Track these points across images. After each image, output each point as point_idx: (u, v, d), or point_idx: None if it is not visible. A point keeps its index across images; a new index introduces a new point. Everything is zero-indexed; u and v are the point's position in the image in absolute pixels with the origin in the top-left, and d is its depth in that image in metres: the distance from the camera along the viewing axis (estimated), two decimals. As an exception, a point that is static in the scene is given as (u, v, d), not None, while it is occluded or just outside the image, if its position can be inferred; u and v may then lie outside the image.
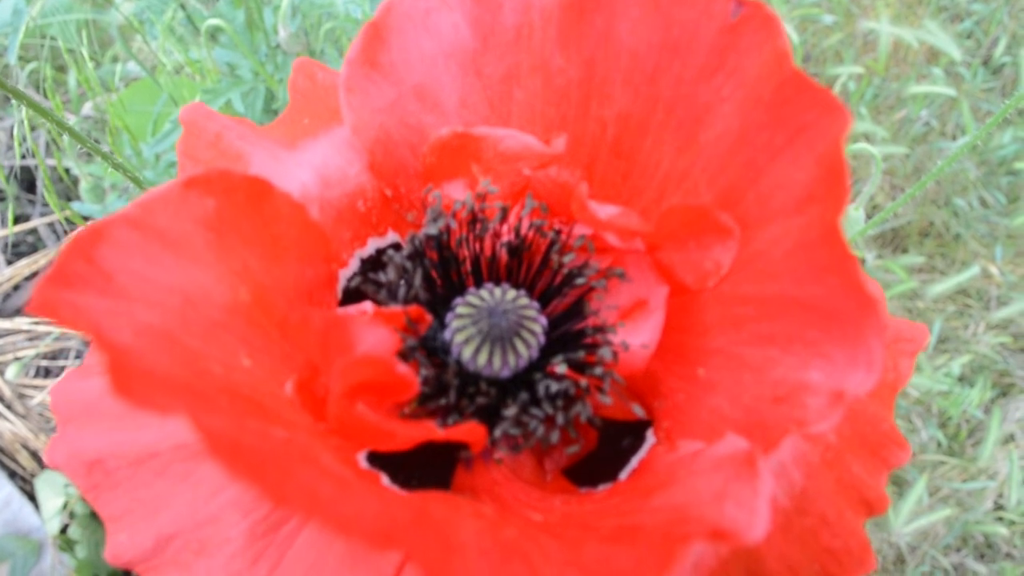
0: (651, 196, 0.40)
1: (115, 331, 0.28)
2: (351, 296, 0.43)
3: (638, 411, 0.39)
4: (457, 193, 0.42)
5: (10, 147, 1.96)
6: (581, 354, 0.40)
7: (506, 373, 0.39)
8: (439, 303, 0.41)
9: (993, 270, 1.83)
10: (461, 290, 0.42)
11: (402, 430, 0.33)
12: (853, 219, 0.83)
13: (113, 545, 0.38)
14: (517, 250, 0.42)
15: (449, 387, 0.39)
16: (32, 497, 1.61)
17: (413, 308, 0.39)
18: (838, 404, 0.31)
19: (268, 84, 1.16)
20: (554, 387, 0.38)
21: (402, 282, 0.41)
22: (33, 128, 0.90)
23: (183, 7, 1.20)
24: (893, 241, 1.94)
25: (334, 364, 0.31)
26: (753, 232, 0.36)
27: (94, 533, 1.49)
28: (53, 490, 1.54)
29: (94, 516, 1.50)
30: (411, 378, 0.34)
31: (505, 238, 0.42)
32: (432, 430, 0.34)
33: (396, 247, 0.45)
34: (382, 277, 0.42)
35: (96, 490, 0.38)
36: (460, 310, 0.39)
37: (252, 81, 1.17)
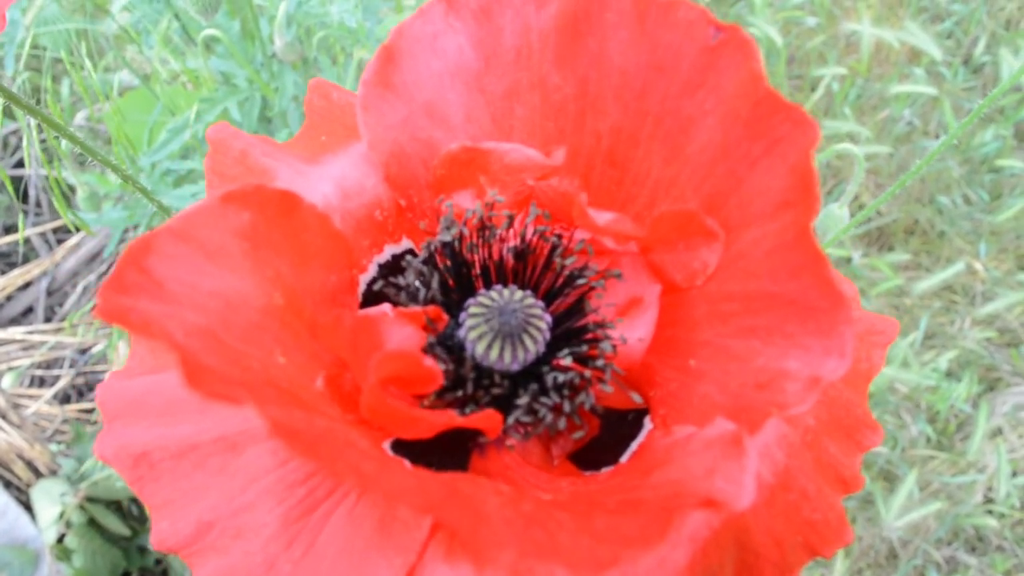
0: (643, 202, 0.44)
1: (170, 333, 0.32)
2: (370, 299, 0.46)
3: (637, 399, 0.43)
4: (466, 202, 0.46)
5: (1, 157, 1.96)
6: (584, 348, 0.43)
7: (516, 367, 0.42)
8: (453, 304, 0.44)
9: (978, 266, 1.85)
10: (472, 292, 0.45)
11: (428, 416, 0.36)
12: (837, 217, 0.85)
13: (157, 532, 0.40)
14: (523, 254, 0.45)
15: (466, 380, 0.42)
16: (28, 507, 1.60)
17: (432, 308, 0.42)
18: (814, 388, 0.35)
19: (264, 92, 1.18)
20: (561, 378, 0.42)
21: (419, 284, 0.44)
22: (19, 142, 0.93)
23: (178, 17, 1.22)
24: (879, 239, 1.97)
25: (367, 359, 0.34)
26: (736, 235, 0.39)
27: (91, 542, 1.48)
28: (49, 500, 1.52)
29: (91, 525, 1.50)
30: (436, 370, 0.37)
31: (512, 243, 0.45)
32: (454, 417, 0.37)
33: (411, 253, 0.48)
34: (401, 281, 0.45)
35: (141, 481, 0.40)
36: (473, 310, 0.42)
37: (248, 90, 1.19)
